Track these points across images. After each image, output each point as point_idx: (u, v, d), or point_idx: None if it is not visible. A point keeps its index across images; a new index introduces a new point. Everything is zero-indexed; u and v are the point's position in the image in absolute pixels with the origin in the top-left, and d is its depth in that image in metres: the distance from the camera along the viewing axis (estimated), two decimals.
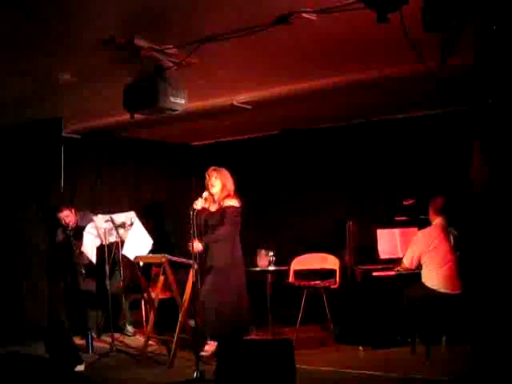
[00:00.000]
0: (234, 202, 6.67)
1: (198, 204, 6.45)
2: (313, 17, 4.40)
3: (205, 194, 6.60)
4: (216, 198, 6.71)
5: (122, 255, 7.03)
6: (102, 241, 7.10)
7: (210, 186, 6.70)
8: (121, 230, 7.01)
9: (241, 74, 6.06)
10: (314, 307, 7.46)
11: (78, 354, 6.31)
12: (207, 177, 6.74)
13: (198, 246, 6.48)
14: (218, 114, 7.46)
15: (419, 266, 6.48)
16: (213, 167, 6.80)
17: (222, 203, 6.67)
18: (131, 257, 6.84)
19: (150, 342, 6.97)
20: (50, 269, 7.91)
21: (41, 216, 8.03)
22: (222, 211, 6.62)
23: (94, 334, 7.38)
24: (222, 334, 6.43)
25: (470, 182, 7.07)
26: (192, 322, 6.57)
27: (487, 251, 6.64)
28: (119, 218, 7.07)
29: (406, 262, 6.53)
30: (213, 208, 6.72)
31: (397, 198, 7.58)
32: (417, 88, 6.39)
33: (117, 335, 7.41)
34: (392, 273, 6.82)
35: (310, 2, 4.25)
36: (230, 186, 6.75)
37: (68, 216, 7.65)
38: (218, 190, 6.69)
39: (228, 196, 6.69)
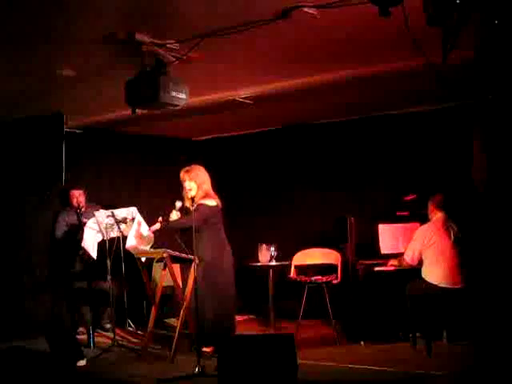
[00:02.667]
0: (209, 202, 6.49)
1: (173, 217, 6.49)
2: (314, 12, 4.39)
3: (178, 203, 6.49)
4: (190, 195, 6.51)
5: (124, 250, 7.03)
6: (103, 236, 7.10)
7: (185, 189, 6.55)
8: (122, 225, 7.01)
9: (242, 69, 6.05)
10: (315, 302, 7.47)
11: (79, 349, 6.32)
12: (181, 180, 6.57)
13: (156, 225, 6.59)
14: (219, 109, 7.45)
15: (420, 262, 6.48)
16: (185, 169, 6.59)
17: (197, 203, 6.45)
18: (134, 252, 6.85)
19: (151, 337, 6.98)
20: (53, 260, 7.92)
21: (55, 195, 8.11)
22: (195, 208, 6.34)
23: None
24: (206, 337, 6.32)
25: (470, 179, 7.06)
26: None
27: (488, 247, 6.63)
28: (121, 213, 7.06)
29: (408, 259, 6.53)
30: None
31: (398, 193, 7.58)
32: (418, 83, 6.38)
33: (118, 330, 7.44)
34: (393, 268, 6.82)
35: None
36: (206, 185, 6.56)
37: (81, 195, 7.76)
38: (195, 192, 6.52)
39: (205, 196, 6.51)
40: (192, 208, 6.41)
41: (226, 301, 6.50)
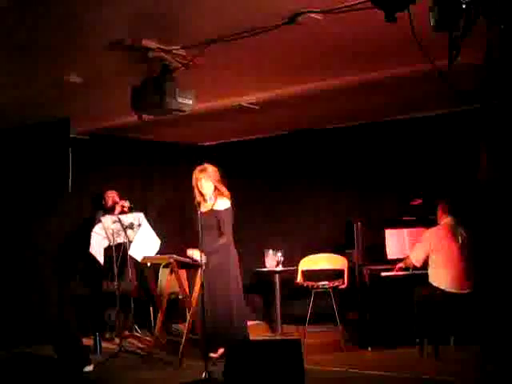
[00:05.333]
0: (226, 202, 6.56)
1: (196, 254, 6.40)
2: (319, 17, 4.40)
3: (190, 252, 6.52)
4: (207, 198, 6.57)
5: (130, 256, 7.04)
6: (109, 242, 7.11)
7: (199, 188, 6.58)
8: (129, 231, 7.02)
9: (248, 74, 6.05)
10: (322, 307, 7.47)
11: (86, 355, 6.32)
12: (194, 179, 6.59)
13: (196, 253, 6.33)
14: (225, 115, 7.46)
15: (425, 265, 6.46)
16: (199, 168, 6.63)
17: (214, 203, 6.57)
18: (138, 258, 6.85)
19: (157, 342, 6.99)
20: (63, 266, 7.92)
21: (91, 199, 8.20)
22: (217, 214, 6.50)
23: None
24: (218, 340, 6.36)
25: (477, 182, 7.06)
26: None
27: (495, 251, 6.63)
28: (127, 218, 7.08)
29: (413, 259, 6.52)
30: (204, 208, 6.52)
31: (405, 198, 7.57)
32: (424, 88, 6.37)
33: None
34: (400, 273, 6.81)
35: (316, 2, 4.24)
36: (220, 183, 6.61)
37: (116, 196, 7.77)
38: (210, 191, 6.57)
39: (219, 195, 6.59)
40: (202, 208, 6.44)
41: (237, 302, 6.53)
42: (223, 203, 6.56)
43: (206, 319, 6.01)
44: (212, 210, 6.53)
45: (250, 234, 8.76)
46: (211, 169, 6.62)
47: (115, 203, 7.75)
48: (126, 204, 7.48)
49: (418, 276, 6.60)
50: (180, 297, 7.13)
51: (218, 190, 6.59)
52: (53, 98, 6.55)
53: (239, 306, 6.56)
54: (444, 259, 6.33)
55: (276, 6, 4.25)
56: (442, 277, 6.32)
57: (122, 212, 7.46)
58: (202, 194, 6.58)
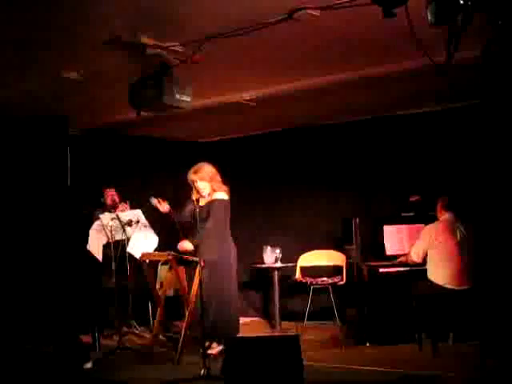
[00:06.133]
0: (222, 195, 6.58)
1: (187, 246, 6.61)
2: (317, 13, 4.39)
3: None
4: (205, 195, 6.58)
5: (128, 253, 7.04)
6: (108, 238, 7.11)
7: (197, 189, 6.57)
8: (127, 228, 7.02)
9: (246, 71, 6.05)
10: (320, 304, 7.48)
11: (85, 352, 6.32)
12: (191, 181, 6.59)
13: (187, 245, 6.55)
14: (224, 112, 7.45)
15: (425, 261, 6.47)
16: (192, 170, 6.61)
17: (210, 197, 6.59)
18: (137, 255, 6.85)
19: (156, 339, 6.98)
20: (62, 264, 7.91)
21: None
22: (209, 204, 6.53)
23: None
24: (217, 336, 6.40)
25: (475, 179, 7.07)
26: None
27: (495, 247, 6.64)
28: (126, 215, 7.08)
29: (413, 255, 6.52)
30: (202, 202, 6.56)
31: (403, 194, 7.57)
32: (422, 84, 6.37)
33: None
34: (399, 269, 6.82)
35: None
36: (216, 180, 6.62)
37: (114, 195, 7.79)
38: (207, 190, 6.57)
39: (218, 189, 6.60)
40: (201, 202, 6.47)
41: (232, 298, 6.56)
42: (219, 195, 6.59)
43: (205, 316, 6.01)
44: (208, 202, 6.57)
45: (248, 230, 8.77)
46: (205, 168, 6.61)
47: (114, 201, 7.76)
48: (127, 207, 7.52)
49: (417, 272, 6.60)
50: (179, 294, 7.12)
51: (216, 185, 6.60)
52: (51, 95, 6.54)
53: (236, 305, 6.59)
54: (442, 255, 6.33)
55: (274, 2, 4.25)
56: (440, 273, 6.33)
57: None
58: (199, 193, 6.59)
